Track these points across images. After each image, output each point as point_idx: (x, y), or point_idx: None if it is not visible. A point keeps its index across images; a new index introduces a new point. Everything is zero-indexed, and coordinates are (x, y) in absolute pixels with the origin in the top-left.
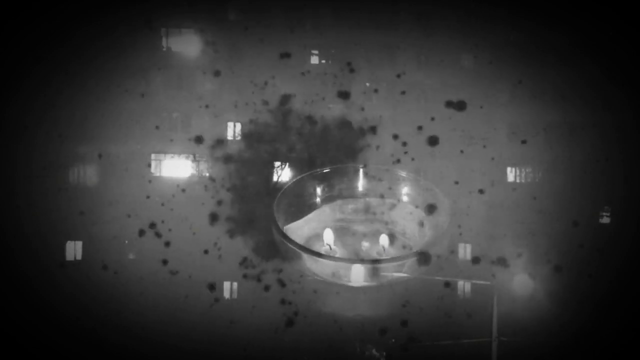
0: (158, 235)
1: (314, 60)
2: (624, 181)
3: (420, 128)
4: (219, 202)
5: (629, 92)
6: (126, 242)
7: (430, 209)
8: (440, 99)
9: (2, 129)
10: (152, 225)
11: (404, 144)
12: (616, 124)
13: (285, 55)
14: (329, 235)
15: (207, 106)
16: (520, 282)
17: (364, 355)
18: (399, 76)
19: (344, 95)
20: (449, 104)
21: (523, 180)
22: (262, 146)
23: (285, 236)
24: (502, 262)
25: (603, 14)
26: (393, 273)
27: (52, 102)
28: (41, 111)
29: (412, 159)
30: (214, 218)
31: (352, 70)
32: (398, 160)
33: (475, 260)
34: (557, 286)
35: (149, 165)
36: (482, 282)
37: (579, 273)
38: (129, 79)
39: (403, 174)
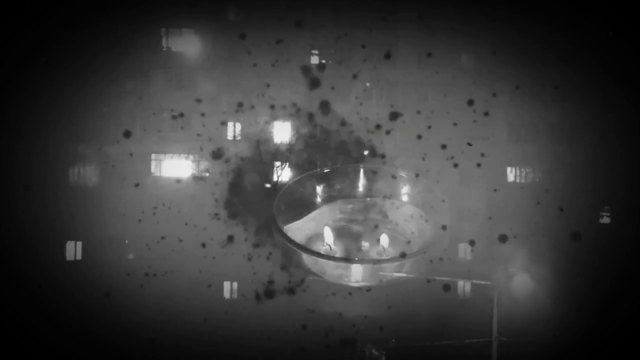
0: (156, 236)
1: (314, 60)
2: (624, 181)
3: (420, 128)
4: (218, 201)
5: (629, 92)
6: (126, 242)
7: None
8: (440, 100)
9: (2, 129)
10: (152, 225)
11: (404, 144)
12: (616, 123)
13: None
14: (329, 235)
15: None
16: (520, 282)
17: (364, 355)
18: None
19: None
20: (449, 105)
21: (523, 180)
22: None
23: (285, 236)
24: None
25: (603, 13)
26: (393, 273)
27: (52, 102)
28: (41, 111)
29: (413, 160)
30: (215, 217)
31: (352, 71)
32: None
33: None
34: (557, 286)
35: (149, 165)
36: (482, 282)
37: (579, 273)
38: (129, 80)
39: (403, 174)
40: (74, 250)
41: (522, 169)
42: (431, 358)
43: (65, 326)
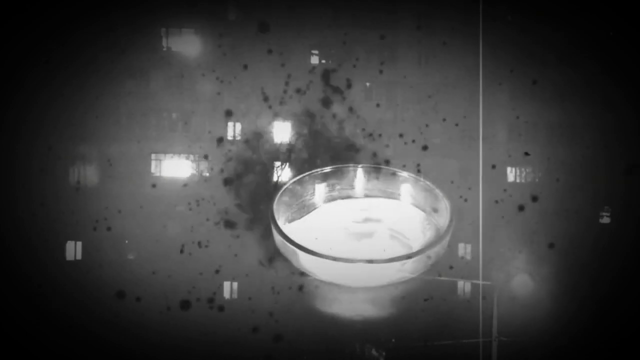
0: (156, 236)
1: (314, 60)
2: (624, 181)
3: (421, 128)
4: (219, 201)
5: (629, 92)
6: (126, 242)
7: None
8: (440, 99)
9: (2, 129)
10: (153, 225)
11: (405, 143)
12: (616, 123)
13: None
14: (329, 235)
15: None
16: (521, 282)
17: (363, 355)
18: (405, 77)
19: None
20: (449, 104)
21: (523, 180)
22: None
23: (285, 236)
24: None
25: (603, 13)
26: (393, 273)
27: (52, 102)
28: (41, 111)
29: (412, 160)
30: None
31: (352, 69)
32: (400, 161)
33: None
34: (557, 286)
35: (149, 165)
36: (482, 282)
37: (578, 273)
38: (129, 79)
39: (403, 174)
40: (74, 250)
41: (522, 169)
42: (431, 358)
43: (65, 326)
